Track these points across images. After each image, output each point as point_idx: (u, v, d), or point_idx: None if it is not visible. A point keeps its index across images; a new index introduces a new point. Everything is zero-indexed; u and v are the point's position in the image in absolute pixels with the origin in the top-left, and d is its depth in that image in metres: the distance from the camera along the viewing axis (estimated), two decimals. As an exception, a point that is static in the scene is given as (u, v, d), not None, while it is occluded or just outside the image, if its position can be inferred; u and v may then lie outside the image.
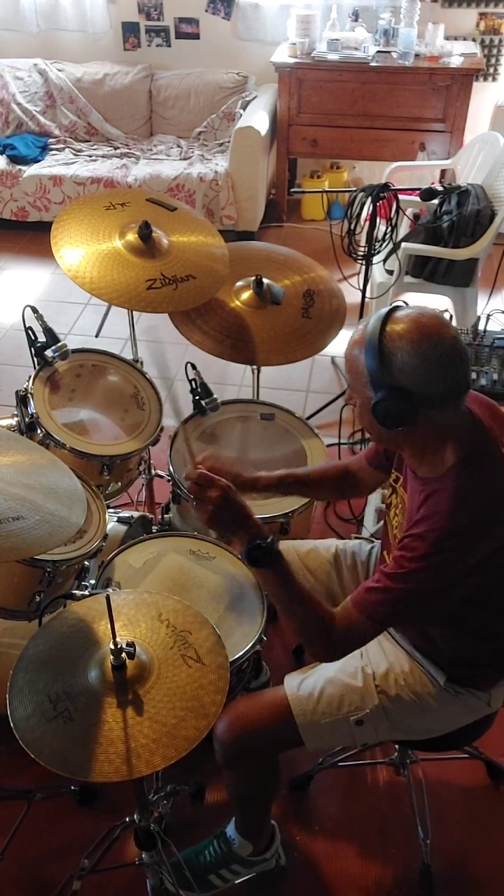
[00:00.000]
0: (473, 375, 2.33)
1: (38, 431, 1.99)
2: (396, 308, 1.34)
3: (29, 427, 2.00)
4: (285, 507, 2.00)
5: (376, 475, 1.74)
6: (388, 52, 4.32)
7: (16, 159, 4.59)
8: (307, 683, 1.61)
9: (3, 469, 1.54)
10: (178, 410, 1.77)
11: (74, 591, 1.66)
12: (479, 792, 2.06)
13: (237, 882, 1.81)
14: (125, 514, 2.23)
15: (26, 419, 1.99)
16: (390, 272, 3.33)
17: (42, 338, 2.10)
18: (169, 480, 2.10)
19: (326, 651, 1.42)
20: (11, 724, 1.26)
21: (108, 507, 2.11)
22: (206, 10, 4.73)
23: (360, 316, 3.16)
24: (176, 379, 3.33)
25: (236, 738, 1.57)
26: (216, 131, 4.79)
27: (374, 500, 2.78)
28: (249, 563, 1.44)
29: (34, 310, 2.10)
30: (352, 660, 1.61)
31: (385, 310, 1.33)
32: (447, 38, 4.38)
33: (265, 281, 2.26)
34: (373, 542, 1.91)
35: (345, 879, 1.89)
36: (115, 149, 4.78)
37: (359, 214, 2.88)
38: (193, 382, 2.21)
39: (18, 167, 4.55)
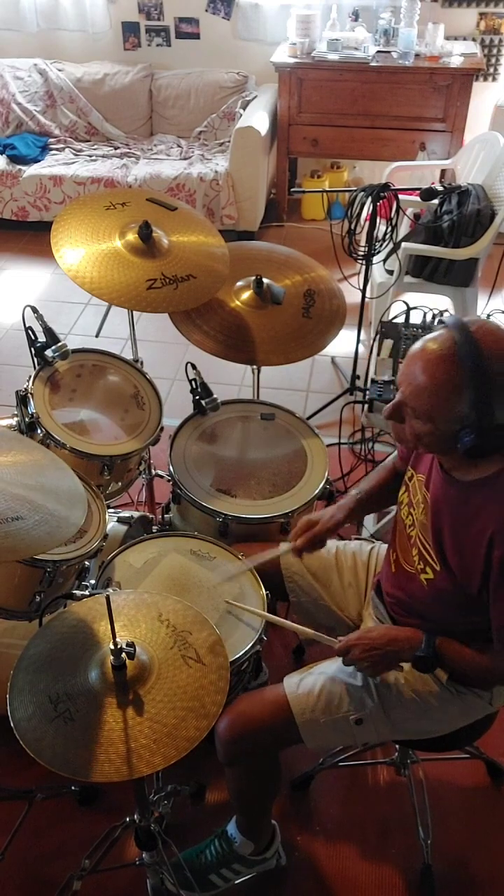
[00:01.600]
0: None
1: (39, 431, 1.99)
2: (476, 321, 1.26)
3: (29, 427, 1.99)
4: (285, 507, 2.00)
5: None
6: (389, 51, 4.32)
7: (16, 159, 4.59)
8: (306, 682, 1.61)
9: (3, 469, 1.54)
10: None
11: (75, 592, 1.66)
12: (479, 792, 2.06)
13: (237, 882, 1.81)
14: (125, 514, 2.23)
15: (26, 419, 1.99)
16: (390, 272, 3.33)
17: (42, 338, 2.10)
18: (169, 480, 2.10)
19: None
20: (12, 725, 1.26)
21: (109, 507, 2.11)
22: (206, 10, 4.73)
23: (360, 316, 3.17)
24: (176, 379, 3.34)
25: (237, 736, 1.57)
26: (216, 131, 4.79)
27: (375, 500, 2.77)
28: (420, 671, 1.50)
29: (34, 310, 2.10)
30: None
31: (466, 325, 1.24)
32: (447, 38, 4.38)
33: (265, 281, 2.26)
34: (373, 542, 1.92)
35: (345, 879, 1.89)
36: (116, 149, 4.78)
37: (359, 214, 2.88)
38: (193, 382, 2.21)
39: (18, 167, 4.55)
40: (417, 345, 1.30)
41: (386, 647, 1.48)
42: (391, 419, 1.37)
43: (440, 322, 1.30)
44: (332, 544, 1.89)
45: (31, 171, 4.53)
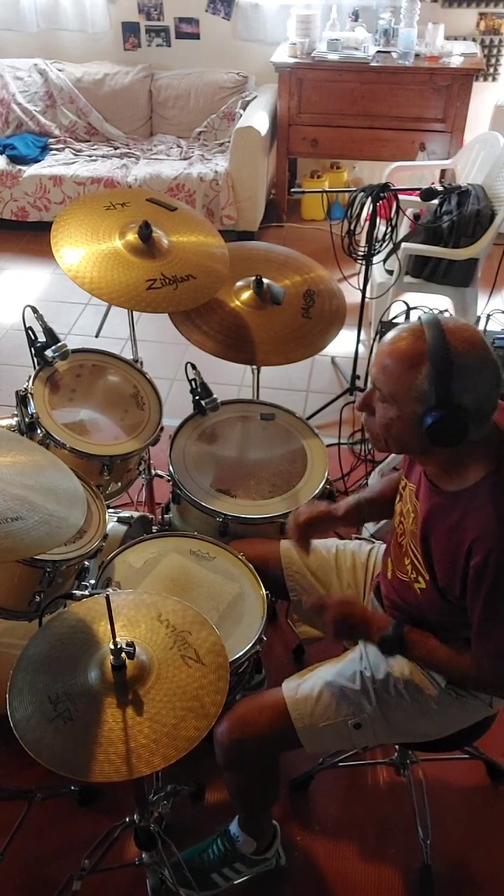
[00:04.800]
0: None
1: (38, 431, 1.99)
2: (446, 316, 1.30)
3: (29, 427, 2.00)
4: (285, 507, 2.00)
5: None
6: (389, 52, 4.32)
7: (16, 159, 4.59)
8: (305, 687, 1.61)
9: (2, 469, 1.54)
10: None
11: (74, 592, 1.66)
12: (479, 792, 2.06)
13: (237, 882, 1.81)
14: (125, 514, 2.23)
15: (26, 419, 1.99)
16: (390, 272, 3.33)
17: (42, 338, 2.10)
18: (169, 480, 2.10)
19: (485, 687, 1.52)
20: (11, 725, 1.26)
21: (108, 507, 2.11)
22: (206, 10, 4.73)
23: (360, 316, 3.17)
24: (176, 379, 3.34)
25: (236, 740, 1.57)
26: (216, 131, 4.79)
27: (375, 500, 2.77)
28: (384, 654, 1.55)
29: (34, 310, 2.10)
30: (350, 663, 1.61)
31: (435, 318, 1.28)
32: (447, 38, 4.38)
33: (265, 281, 2.26)
34: (373, 542, 1.92)
35: (345, 879, 1.89)
36: (116, 149, 4.78)
37: (359, 214, 2.88)
38: (193, 382, 2.21)
39: (18, 167, 4.55)
40: (388, 333, 1.34)
41: (359, 624, 1.52)
42: (363, 411, 1.39)
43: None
44: (331, 544, 1.89)
45: (31, 171, 4.53)
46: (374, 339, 2.47)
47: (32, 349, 2.10)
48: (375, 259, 3.05)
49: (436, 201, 3.14)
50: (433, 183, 3.15)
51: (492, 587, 1.31)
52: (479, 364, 1.25)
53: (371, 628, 1.51)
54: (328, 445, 2.25)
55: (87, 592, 1.63)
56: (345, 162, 4.96)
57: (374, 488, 1.78)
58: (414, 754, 1.98)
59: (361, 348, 3.35)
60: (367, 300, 3.17)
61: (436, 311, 1.33)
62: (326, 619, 1.53)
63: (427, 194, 2.84)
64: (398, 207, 2.89)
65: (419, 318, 1.31)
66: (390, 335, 1.32)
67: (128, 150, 4.73)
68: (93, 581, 1.82)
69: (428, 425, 1.27)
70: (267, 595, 1.77)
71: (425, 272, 3.23)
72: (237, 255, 2.33)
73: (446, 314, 2.35)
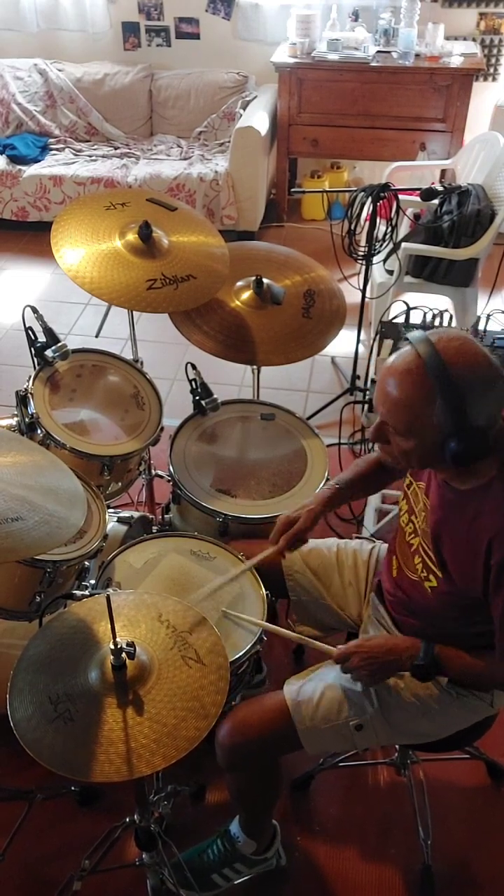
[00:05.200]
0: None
1: (39, 431, 1.99)
2: (436, 333, 1.29)
3: (29, 427, 1.99)
4: (285, 507, 1.99)
5: None
6: (389, 52, 4.32)
7: (16, 159, 4.59)
8: (306, 689, 1.61)
9: (3, 469, 1.54)
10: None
11: (75, 592, 1.66)
12: (479, 792, 2.06)
13: (237, 882, 1.81)
14: (125, 514, 2.23)
15: (26, 419, 1.99)
16: (390, 272, 3.33)
17: (42, 338, 2.10)
18: (169, 480, 2.10)
19: None
20: (12, 725, 1.26)
21: (109, 508, 2.10)
22: (206, 10, 4.73)
23: (360, 316, 3.16)
24: (176, 379, 3.34)
25: (237, 743, 1.57)
26: (216, 131, 4.79)
27: (374, 500, 2.78)
28: (420, 681, 1.50)
29: (34, 310, 2.10)
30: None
31: (432, 349, 1.26)
32: (447, 38, 4.38)
33: (265, 281, 2.26)
34: (374, 541, 1.91)
35: (345, 879, 1.88)
36: (116, 149, 4.78)
37: (359, 214, 2.88)
38: (193, 382, 2.21)
39: (18, 167, 4.55)
40: (385, 364, 1.33)
41: (385, 657, 1.48)
42: (377, 441, 1.40)
43: (405, 339, 1.32)
44: (332, 543, 1.89)
45: (31, 171, 4.53)
46: (374, 339, 2.46)
47: (32, 349, 2.10)
48: (375, 259, 3.04)
49: (436, 201, 3.14)
50: (433, 183, 3.15)
51: None
52: (486, 382, 1.26)
53: (401, 657, 1.47)
54: (328, 445, 2.25)
55: (87, 593, 1.63)
56: (345, 162, 4.95)
57: (349, 471, 1.77)
58: (414, 754, 1.98)
59: (361, 348, 3.35)
60: (367, 300, 3.17)
61: (422, 332, 1.30)
62: (353, 668, 1.49)
63: (427, 194, 2.84)
64: (398, 207, 2.89)
65: (414, 349, 1.28)
66: (390, 376, 1.30)
67: (128, 150, 4.73)
68: (93, 581, 1.82)
69: (452, 452, 1.28)
70: (267, 595, 1.77)
71: (425, 272, 3.23)
72: (237, 255, 2.33)
73: (446, 314, 2.36)
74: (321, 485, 2.06)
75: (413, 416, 1.29)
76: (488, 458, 1.33)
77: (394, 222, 2.91)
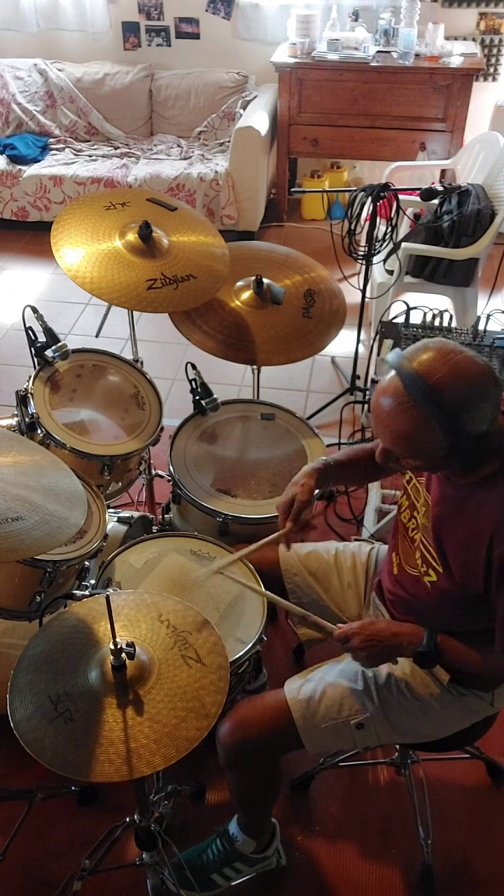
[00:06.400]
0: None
1: (39, 431, 1.99)
2: (415, 353, 1.30)
3: (29, 427, 1.99)
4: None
5: None
6: (389, 51, 4.32)
7: (16, 159, 4.59)
8: (307, 687, 1.61)
9: (3, 469, 1.54)
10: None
11: (75, 592, 1.66)
12: (480, 792, 2.06)
13: (237, 882, 1.81)
14: (125, 514, 2.23)
15: (26, 419, 1.99)
16: (390, 272, 3.33)
17: (42, 338, 2.10)
18: (169, 480, 2.10)
19: None
20: (12, 725, 1.26)
21: (109, 507, 2.11)
22: (206, 10, 4.73)
23: (361, 316, 3.16)
24: (176, 379, 3.34)
25: (238, 741, 1.57)
26: (216, 131, 4.79)
27: (374, 500, 2.78)
28: (421, 668, 1.54)
29: (34, 310, 2.10)
30: (352, 664, 1.61)
31: (415, 375, 1.27)
32: (447, 38, 4.37)
33: (265, 281, 2.26)
34: (373, 543, 1.91)
35: (345, 879, 1.89)
36: (116, 149, 4.78)
37: (359, 214, 2.88)
38: (193, 382, 2.21)
39: (18, 167, 4.55)
40: (374, 400, 1.35)
41: (388, 641, 1.48)
42: (386, 463, 1.42)
43: (383, 360, 1.34)
44: (331, 546, 1.89)
45: (31, 171, 4.53)
46: (374, 339, 2.46)
47: (32, 349, 2.10)
48: (375, 259, 3.04)
49: (436, 201, 3.14)
50: (433, 183, 3.15)
51: None
52: (477, 392, 1.27)
53: (402, 643, 1.47)
54: (328, 445, 2.25)
55: (87, 592, 1.63)
56: (345, 162, 4.95)
57: (345, 452, 1.77)
58: (415, 754, 1.98)
59: (361, 348, 3.35)
60: (367, 300, 3.17)
61: (394, 352, 1.32)
62: (354, 648, 1.49)
63: (427, 194, 2.84)
64: (398, 207, 2.89)
65: (398, 377, 1.29)
66: (382, 410, 1.32)
67: (128, 150, 4.73)
68: (93, 581, 1.82)
69: (459, 460, 1.33)
70: (268, 594, 1.77)
71: (425, 272, 3.23)
72: (237, 254, 2.33)
73: (446, 314, 2.36)
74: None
75: (414, 444, 1.32)
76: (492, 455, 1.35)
77: (394, 222, 2.91)
